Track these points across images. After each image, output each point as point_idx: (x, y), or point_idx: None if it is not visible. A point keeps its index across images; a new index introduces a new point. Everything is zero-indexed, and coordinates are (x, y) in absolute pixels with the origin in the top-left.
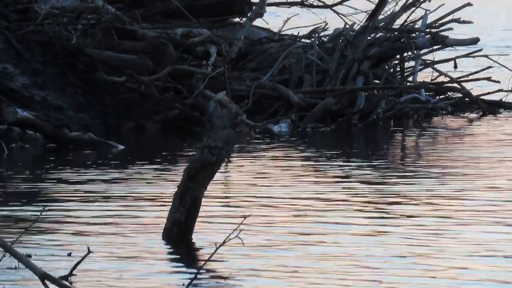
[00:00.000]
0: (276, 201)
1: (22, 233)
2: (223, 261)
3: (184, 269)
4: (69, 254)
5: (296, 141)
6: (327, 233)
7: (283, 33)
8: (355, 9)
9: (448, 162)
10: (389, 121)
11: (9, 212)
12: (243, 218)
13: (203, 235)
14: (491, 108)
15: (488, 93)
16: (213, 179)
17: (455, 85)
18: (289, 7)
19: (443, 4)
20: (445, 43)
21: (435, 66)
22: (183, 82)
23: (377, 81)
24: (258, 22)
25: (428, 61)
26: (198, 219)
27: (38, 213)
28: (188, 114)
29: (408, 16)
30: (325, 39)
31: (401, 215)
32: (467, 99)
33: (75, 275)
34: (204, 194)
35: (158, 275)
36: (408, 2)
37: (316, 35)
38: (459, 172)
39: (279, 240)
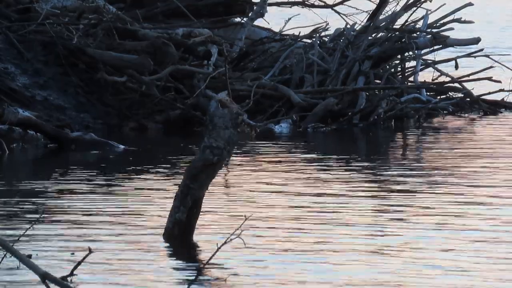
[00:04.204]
0: (277, 201)
1: (23, 233)
2: (224, 261)
3: (185, 269)
4: (72, 254)
5: (297, 141)
6: (329, 233)
7: (284, 33)
8: (356, 9)
9: (449, 162)
10: (390, 121)
11: (10, 212)
12: (245, 218)
13: (204, 235)
14: (492, 108)
15: (489, 93)
16: (214, 179)
17: (456, 85)
18: (290, 7)
19: (444, 4)
20: (446, 43)
21: (436, 66)
22: (184, 82)
23: (378, 81)
24: (259, 22)
25: (429, 61)
26: (199, 219)
27: (39, 213)
28: (189, 114)
29: (409, 16)
30: (326, 39)
31: (402, 215)
32: (468, 99)
33: (76, 275)
34: (205, 194)
35: (159, 275)
36: (409, 2)
37: (317, 35)
38: (460, 172)
39: (280, 240)
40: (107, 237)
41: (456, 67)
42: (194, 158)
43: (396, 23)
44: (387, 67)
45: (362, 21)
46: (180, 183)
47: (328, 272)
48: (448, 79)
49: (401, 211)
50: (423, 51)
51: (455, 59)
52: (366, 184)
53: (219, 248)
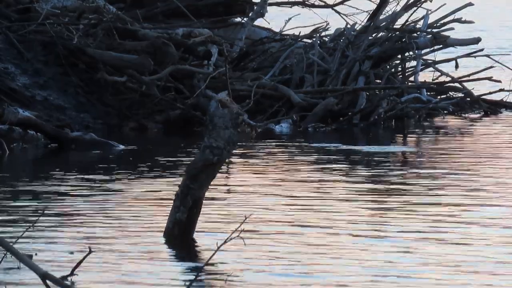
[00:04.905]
0: (277, 201)
1: (23, 233)
2: (224, 261)
3: (185, 269)
4: (71, 253)
5: (297, 141)
6: (329, 233)
7: (284, 33)
8: (357, 8)
9: (449, 162)
10: (390, 121)
11: (11, 212)
12: (244, 218)
13: (204, 235)
14: (493, 108)
15: (490, 93)
16: (214, 179)
17: (457, 85)
18: (291, 7)
19: (444, 4)
20: (446, 43)
21: (437, 66)
22: (184, 82)
23: (378, 81)
24: (259, 22)
25: (429, 61)
26: (199, 219)
27: (40, 213)
28: (189, 114)
29: (409, 16)
30: (326, 39)
31: (402, 216)
32: (469, 99)
33: (77, 274)
34: (205, 194)
35: (160, 275)
36: (409, 2)
37: (317, 35)
38: (460, 172)
39: (280, 240)
40: (107, 237)
41: (456, 67)
42: (194, 158)
43: (396, 23)
44: (388, 67)
45: (362, 21)
46: (180, 183)
47: (329, 272)
48: (448, 79)
49: (402, 211)
50: (423, 51)
51: (455, 59)
52: (367, 184)
53: (219, 247)
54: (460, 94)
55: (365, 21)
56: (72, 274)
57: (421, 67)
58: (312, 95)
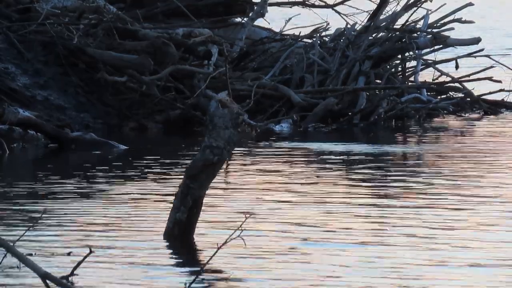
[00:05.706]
0: (278, 201)
1: (23, 233)
2: (224, 261)
3: (185, 269)
4: (69, 253)
5: (297, 141)
6: (330, 233)
7: (284, 33)
8: (357, 9)
9: (449, 162)
10: (391, 121)
11: (11, 212)
12: (245, 218)
13: (204, 235)
14: (493, 108)
15: (490, 93)
16: (215, 178)
17: (457, 85)
18: (291, 7)
19: (444, 4)
20: (446, 43)
21: (437, 66)
22: (184, 82)
23: (378, 81)
24: (259, 22)
25: (430, 61)
26: (200, 219)
27: (40, 213)
28: (189, 114)
29: (410, 16)
30: (327, 39)
31: (402, 217)
32: (469, 99)
33: (77, 274)
34: (206, 194)
35: (160, 275)
36: (410, 2)
37: (318, 35)
38: (460, 172)
39: (281, 240)
40: (107, 237)
41: (457, 67)
42: (194, 158)
43: (396, 23)
44: (388, 67)
45: (362, 21)
46: (180, 182)
47: (331, 272)
48: (448, 79)
49: (402, 211)
50: (423, 51)
51: (455, 59)
52: (366, 185)
53: (219, 248)
54: (460, 94)
55: (365, 21)
56: (72, 274)
57: (421, 67)
58: (312, 95)
